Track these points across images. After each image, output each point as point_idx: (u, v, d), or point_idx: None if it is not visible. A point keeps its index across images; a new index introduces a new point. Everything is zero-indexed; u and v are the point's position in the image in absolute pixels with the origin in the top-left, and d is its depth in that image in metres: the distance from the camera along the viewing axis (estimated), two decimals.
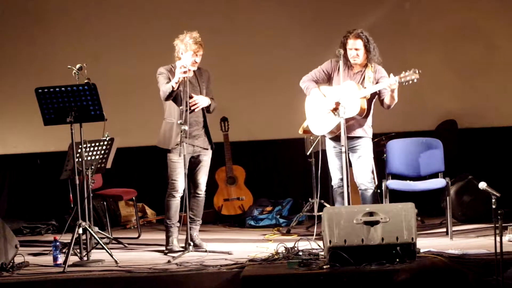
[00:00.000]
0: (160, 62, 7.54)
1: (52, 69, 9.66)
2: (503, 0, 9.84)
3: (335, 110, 7.30)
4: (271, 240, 8.03)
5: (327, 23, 9.77)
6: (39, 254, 7.75)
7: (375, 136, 7.85)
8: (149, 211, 10.05)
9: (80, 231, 6.98)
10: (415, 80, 7.14)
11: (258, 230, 8.94)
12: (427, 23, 9.88)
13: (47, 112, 7.01)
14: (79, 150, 7.16)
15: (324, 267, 6.17)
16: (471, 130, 9.84)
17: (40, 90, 6.97)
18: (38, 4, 10.20)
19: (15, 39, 10.18)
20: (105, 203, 9.02)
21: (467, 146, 9.75)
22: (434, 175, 7.97)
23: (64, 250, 7.16)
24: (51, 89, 6.94)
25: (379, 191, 8.05)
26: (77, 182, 7.08)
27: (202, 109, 7.50)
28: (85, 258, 7.04)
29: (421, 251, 6.53)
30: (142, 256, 7.45)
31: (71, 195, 7.51)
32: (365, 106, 7.28)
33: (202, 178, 7.57)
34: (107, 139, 7.73)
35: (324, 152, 7.76)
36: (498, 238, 5.71)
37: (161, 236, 7.65)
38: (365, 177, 7.42)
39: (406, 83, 7.16)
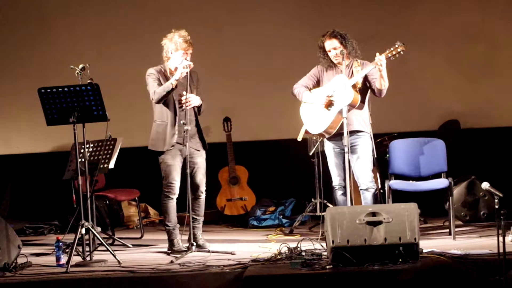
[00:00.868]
0: (163, 62, 7.53)
1: (55, 69, 9.67)
2: (506, 0, 9.83)
3: (328, 104, 7.32)
4: (274, 240, 8.03)
5: (331, 24, 9.66)
6: (41, 254, 7.75)
7: (378, 136, 7.84)
8: (152, 211, 10.06)
9: (83, 231, 6.99)
10: (402, 52, 7.11)
11: (261, 230, 8.94)
12: (430, 23, 9.87)
13: (50, 112, 7.01)
14: (82, 151, 7.17)
15: (327, 267, 6.17)
16: (474, 130, 9.84)
17: (43, 90, 6.97)
18: (41, 5, 10.22)
19: (18, 39, 10.20)
20: (107, 203, 9.02)
21: (470, 146, 9.75)
22: (436, 175, 7.96)
23: (67, 250, 7.16)
24: (54, 89, 6.94)
25: (382, 191, 8.04)
26: (80, 182, 7.08)
27: (194, 109, 7.43)
28: (88, 258, 7.04)
29: (424, 251, 6.52)
30: (145, 256, 7.45)
31: (74, 195, 7.51)
32: (358, 94, 7.27)
33: (201, 180, 7.53)
34: (110, 139, 7.74)
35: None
36: (501, 238, 5.71)
37: (164, 236, 7.64)
38: (366, 177, 7.39)
39: (393, 58, 7.12)
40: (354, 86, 7.25)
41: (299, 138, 8.43)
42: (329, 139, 7.50)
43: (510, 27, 9.84)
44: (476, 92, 9.88)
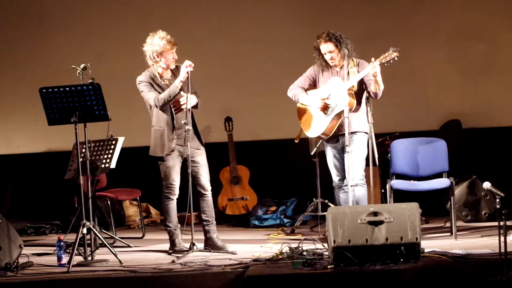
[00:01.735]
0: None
1: (56, 69, 9.67)
2: (507, 0, 9.83)
3: (324, 108, 7.32)
4: (275, 240, 8.03)
5: (332, 24, 9.70)
6: (43, 254, 7.75)
7: (379, 136, 7.84)
8: (153, 211, 10.06)
9: (85, 231, 6.98)
10: (396, 58, 7.11)
11: (262, 230, 8.95)
12: (431, 23, 9.87)
13: (51, 112, 7.01)
14: (83, 150, 7.17)
15: (328, 267, 6.17)
16: (475, 130, 9.84)
17: (44, 90, 6.97)
18: (42, 4, 10.22)
19: (19, 39, 10.20)
20: (109, 203, 9.03)
21: (471, 146, 9.74)
22: (438, 175, 7.96)
23: (68, 250, 7.16)
24: (55, 89, 6.94)
25: (383, 191, 8.05)
26: (81, 182, 7.08)
27: (190, 109, 7.41)
28: (89, 258, 7.04)
29: (426, 251, 6.52)
30: (146, 256, 7.45)
31: (75, 195, 7.51)
32: (354, 98, 7.26)
33: (205, 178, 7.52)
34: (111, 139, 7.73)
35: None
36: (502, 238, 5.71)
37: (165, 236, 7.64)
38: (356, 173, 7.31)
39: (388, 64, 7.13)
40: (350, 89, 7.24)
41: (296, 140, 8.45)
42: (326, 141, 7.51)
43: (511, 26, 9.84)
44: (477, 92, 9.88)
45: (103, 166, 7.74)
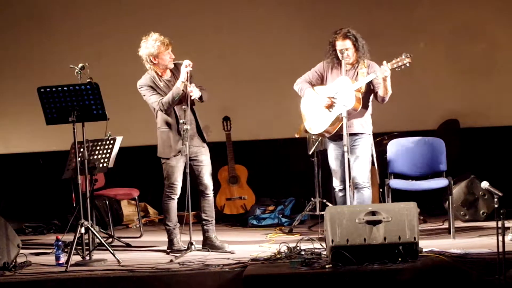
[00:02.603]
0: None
1: (54, 69, 9.66)
2: (505, 0, 9.83)
3: (330, 106, 7.30)
4: (273, 240, 8.03)
5: (330, 23, 9.70)
6: (41, 253, 7.75)
7: (377, 135, 7.84)
8: (151, 210, 10.06)
9: (83, 230, 6.98)
10: (408, 65, 7.10)
11: (260, 230, 8.94)
12: (429, 23, 9.86)
13: (49, 111, 7.01)
14: (82, 150, 7.16)
15: (327, 266, 6.17)
16: (474, 130, 9.84)
17: (42, 90, 6.97)
18: (40, 4, 10.21)
19: (17, 39, 10.19)
20: (107, 202, 9.02)
21: (470, 146, 9.74)
22: (436, 175, 7.96)
23: (66, 250, 7.16)
24: (53, 89, 6.94)
25: (381, 190, 8.05)
26: (79, 181, 7.08)
27: (192, 108, 7.41)
28: (88, 258, 7.04)
29: (424, 250, 6.53)
30: (144, 255, 7.45)
31: (73, 195, 7.51)
32: (360, 100, 7.25)
33: (208, 178, 7.52)
34: (109, 138, 7.73)
35: (326, 151, 7.72)
36: (500, 238, 5.71)
37: (164, 235, 7.64)
38: (363, 177, 7.35)
39: (399, 69, 7.12)
40: (357, 90, 7.22)
41: (297, 135, 8.43)
42: (330, 139, 7.48)
43: (510, 26, 9.84)
44: (475, 92, 9.88)
45: (101, 165, 7.73)
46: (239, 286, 6.17)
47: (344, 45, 7.28)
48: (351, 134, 7.25)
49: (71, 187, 7.82)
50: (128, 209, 9.89)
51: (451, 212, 7.68)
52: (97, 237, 7.22)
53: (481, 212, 8.59)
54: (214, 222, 7.58)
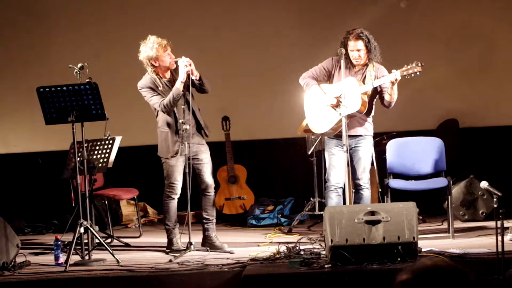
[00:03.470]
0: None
1: (53, 68, 9.66)
2: (504, 0, 9.84)
3: (336, 106, 7.26)
4: (272, 240, 8.03)
5: (329, 22, 9.77)
6: (40, 253, 7.75)
7: (376, 135, 7.84)
8: (150, 210, 10.06)
9: (82, 230, 6.98)
10: (418, 73, 7.09)
11: (260, 230, 8.94)
12: (428, 22, 9.87)
13: (48, 111, 7.01)
14: (81, 150, 7.16)
15: (326, 266, 6.17)
16: (473, 129, 9.84)
17: (41, 90, 6.97)
18: (39, 3, 10.20)
19: (17, 38, 10.19)
20: (106, 202, 9.03)
21: (469, 145, 9.75)
22: (435, 174, 7.96)
23: (65, 250, 7.15)
24: (53, 88, 6.94)
25: (380, 190, 8.05)
26: (79, 181, 7.08)
27: (192, 108, 7.35)
28: (87, 258, 7.04)
29: (423, 250, 6.52)
30: (143, 255, 7.45)
31: (72, 195, 7.51)
32: (366, 104, 7.23)
33: (209, 176, 7.53)
34: (109, 138, 7.73)
35: (324, 150, 7.71)
36: (499, 237, 5.72)
37: (163, 235, 7.64)
38: (364, 178, 7.38)
39: (409, 77, 7.11)
40: (363, 93, 7.21)
41: (299, 132, 8.39)
42: (333, 137, 7.42)
43: (508, 26, 9.85)
44: (474, 92, 9.89)
45: (100, 165, 7.73)
46: (238, 286, 6.17)
47: (356, 46, 7.23)
48: (355, 136, 7.27)
49: (70, 187, 7.83)
50: (127, 209, 9.89)
51: (450, 212, 7.68)
52: (96, 237, 7.22)
53: (480, 212, 8.59)
54: (214, 221, 7.59)
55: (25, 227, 9.43)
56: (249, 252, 7.04)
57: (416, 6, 9.90)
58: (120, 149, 8.07)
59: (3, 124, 10.34)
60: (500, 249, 5.72)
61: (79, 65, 7.20)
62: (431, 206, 9.04)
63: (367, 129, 7.39)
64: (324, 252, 6.55)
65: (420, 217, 8.37)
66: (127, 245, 8.09)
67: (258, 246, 7.57)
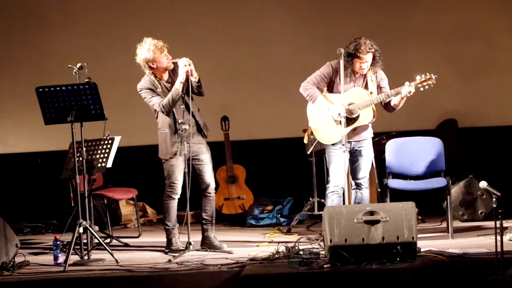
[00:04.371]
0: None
1: (52, 68, 9.66)
2: (504, 0, 9.84)
3: (348, 114, 7.20)
4: (271, 240, 8.03)
5: (329, 22, 9.77)
6: (39, 253, 7.75)
7: (375, 135, 7.84)
8: (149, 210, 10.05)
9: (81, 230, 6.98)
10: (432, 85, 7.12)
11: (259, 229, 8.94)
12: (428, 22, 9.87)
13: (47, 111, 7.01)
14: (80, 150, 7.16)
15: (325, 266, 6.18)
16: (472, 129, 9.84)
17: (40, 90, 6.97)
18: (39, 3, 10.20)
19: (16, 38, 10.19)
20: (105, 202, 9.02)
21: (468, 145, 9.75)
22: (434, 174, 7.96)
23: (64, 249, 7.15)
24: (52, 88, 6.94)
25: (379, 190, 8.05)
26: (78, 181, 7.08)
27: (192, 109, 7.37)
28: (86, 257, 7.04)
29: (422, 250, 6.53)
30: (143, 255, 7.44)
31: (71, 194, 7.51)
32: (375, 112, 7.26)
33: (210, 176, 7.54)
34: (108, 138, 7.73)
35: (324, 151, 7.69)
36: (498, 237, 5.72)
37: (162, 235, 7.64)
38: (365, 178, 7.42)
39: (422, 88, 7.15)
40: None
41: (306, 141, 8.34)
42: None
43: (507, 26, 9.84)
44: (474, 91, 9.89)
45: (99, 165, 7.73)
46: (237, 286, 6.17)
47: (366, 60, 7.19)
48: (360, 140, 7.34)
49: (70, 187, 7.83)
50: (126, 209, 9.89)
51: (450, 212, 7.68)
52: (96, 237, 7.22)
53: (479, 212, 8.59)
54: (214, 221, 7.59)
55: (24, 227, 9.42)
56: (248, 252, 7.04)
57: (417, 6, 9.90)
58: (119, 149, 8.07)
59: (3, 124, 10.33)
60: (499, 249, 5.72)
61: (78, 65, 7.20)
62: (430, 206, 9.04)
63: (368, 132, 7.44)
64: (323, 252, 6.55)
65: (419, 217, 8.38)
66: (126, 245, 8.10)
67: (257, 246, 7.58)
